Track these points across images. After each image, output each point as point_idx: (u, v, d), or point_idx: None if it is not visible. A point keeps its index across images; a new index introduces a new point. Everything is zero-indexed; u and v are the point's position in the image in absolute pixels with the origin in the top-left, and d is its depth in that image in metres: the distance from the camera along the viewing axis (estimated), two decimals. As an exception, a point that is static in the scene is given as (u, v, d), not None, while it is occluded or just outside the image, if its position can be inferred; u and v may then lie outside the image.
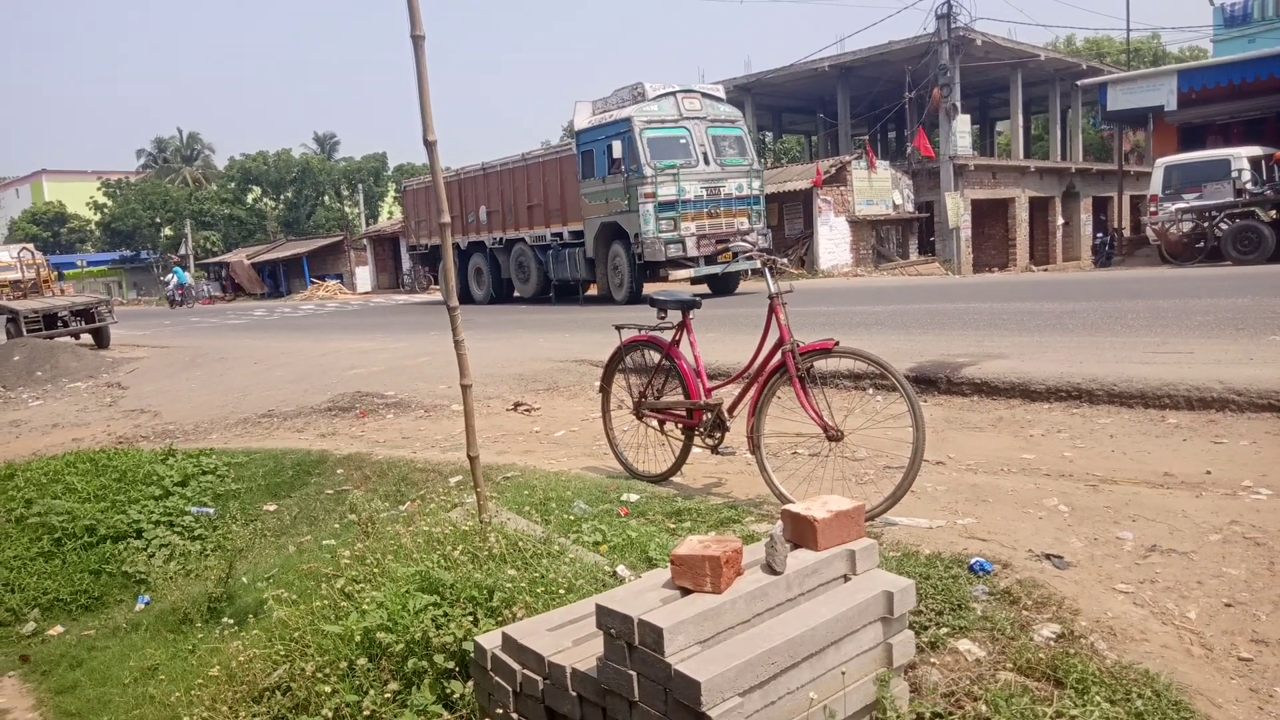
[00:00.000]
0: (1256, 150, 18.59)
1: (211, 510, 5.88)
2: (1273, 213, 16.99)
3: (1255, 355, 5.80)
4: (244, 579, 4.63)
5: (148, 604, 5.02)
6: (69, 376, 12.74)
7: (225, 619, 4.08)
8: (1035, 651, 2.51)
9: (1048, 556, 3.11)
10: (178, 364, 12.90)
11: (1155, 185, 19.15)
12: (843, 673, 2.24)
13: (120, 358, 14.68)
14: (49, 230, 59.40)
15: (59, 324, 16.63)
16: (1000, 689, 2.38)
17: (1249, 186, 17.68)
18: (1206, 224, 17.59)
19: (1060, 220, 31.53)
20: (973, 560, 3.02)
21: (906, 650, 2.41)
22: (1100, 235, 26.04)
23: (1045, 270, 26.31)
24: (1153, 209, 19.08)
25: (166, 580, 5.17)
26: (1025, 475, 4.20)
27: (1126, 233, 25.89)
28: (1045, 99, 34.70)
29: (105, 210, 55.67)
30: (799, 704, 2.15)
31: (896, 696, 2.34)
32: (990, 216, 29.37)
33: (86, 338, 17.22)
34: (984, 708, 2.32)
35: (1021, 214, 29.68)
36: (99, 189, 56.06)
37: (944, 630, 2.66)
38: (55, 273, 26.05)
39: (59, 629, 5.05)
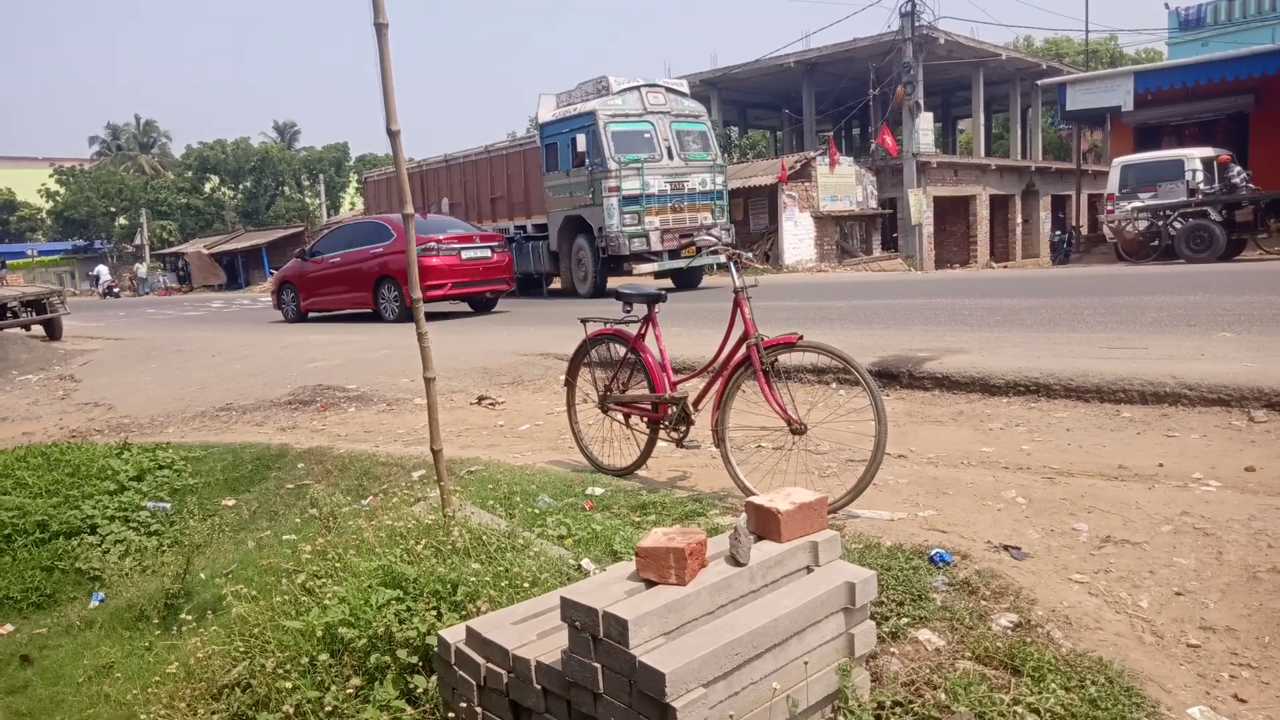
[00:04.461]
0: (1209, 151, 19.05)
1: (168, 505, 5.77)
2: (1224, 212, 17.44)
3: (1206, 351, 5.95)
4: (202, 575, 4.55)
5: (102, 601, 4.92)
6: (19, 369, 12.42)
7: (183, 616, 4.00)
8: (993, 640, 2.56)
9: (1006, 548, 3.17)
10: (133, 356, 12.63)
11: (1112, 184, 19.55)
12: (805, 663, 2.26)
13: (73, 350, 14.34)
14: (-3, 218, 57.92)
15: (8, 315, 16.17)
16: (959, 677, 2.42)
17: (1202, 186, 18.12)
18: (1161, 223, 17.99)
19: (1020, 218, 32.06)
20: (933, 551, 3.06)
21: (868, 640, 2.44)
22: (1059, 233, 26.53)
23: (1005, 267, 26.73)
24: (1110, 208, 19.48)
25: (122, 577, 5.06)
26: (984, 468, 4.27)
27: (1084, 230, 26.40)
28: (1006, 98, 35.27)
29: (58, 198, 54.29)
30: (762, 694, 2.17)
31: (858, 686, 2.37)
32: (952, 213, 29.78)
33: (38, 329, 16.80)
34: (943, 696, 2.36)
35: (982, 211, 30.13)
36: (51, 176, 54.66)
37: (905, 620, 2.69)
38: None
39: (9, 628, 4.92)
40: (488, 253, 14.54)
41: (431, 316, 15.21)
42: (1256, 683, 2.42)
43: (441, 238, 13.87)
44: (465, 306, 15.29)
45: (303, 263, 15.71)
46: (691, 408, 4.19)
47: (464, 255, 14.09)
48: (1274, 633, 2.60)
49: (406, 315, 13.55)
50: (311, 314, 15.91)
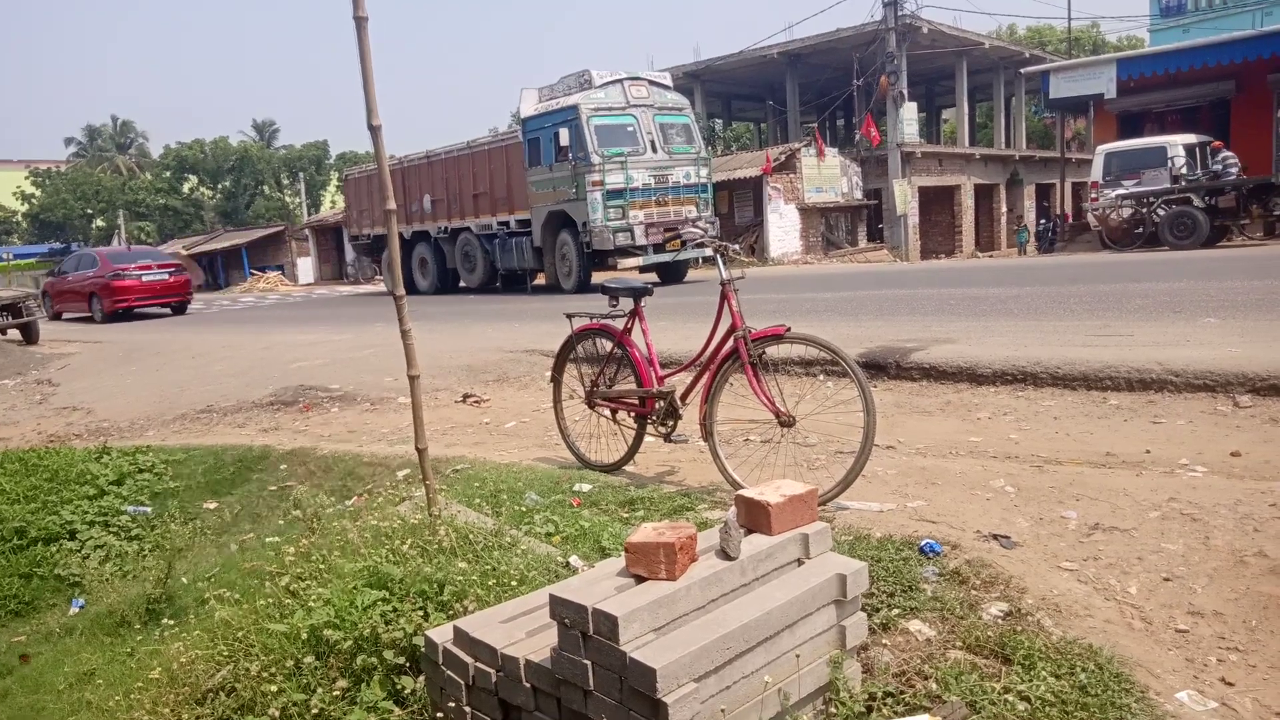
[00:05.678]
0: (1191, 138, 19.15)
1: (149, 509, 5.70)
2: (1207, 199, 17.54)
3: (1191, 337, 5.97)
4: (184, 579, 4.49)
5: (83, 607, 4.85)
6: (-3, 373, 12.26)
7: (165, 621, 3.95)
8: (984, 630, 2.55)
9: (995, 537, 3.16)
10: (111, 359, 12.49)
11: (1096, 172, 19.62)
12: (797, 655, 2.24)
13: (50, 354, 14.17)
14: (-28, 222, 57.17)
15: (-17, 319, 16.02)
16: (950, 667, 2.40)
17: (1184, 173, 18.21)
18: (1145, 210, 18.08)
19: (1005, 207, 32.19)
20: (923, 542, 3.05)
21: (859, 632, 2.43)
22: (1043, 221, 26.61)
23: (990, 256, 26.84)
24: (1093, 195, 19.56)
25: (102, 582, 5.00)
26: (973, 457, 4.27)
27: (1069, 218, 26.53)
28: (989, 87, 35.35)
29: (33, 201, 53.65)
30: (754, 688, 2.15)
31: (849, 677, 2.35)
32: (937, 203, 29.86)
33: (14, 333, 16.59)
34: (934, 686, 2.35)
35: (967, 201, 30.22)
36: (26, 178, 53.98)
37: (895, 611, 2.68)
38: None
39: (-12, 635, 4.85)
40: (165, 275, 20.99)
41: (140, 316, 21.27)
42: (1244, 666, 2.42)
43: (130, 266, 20.58)
44: (168, 311, 21.27)
45: (54, 279, 23.05)
46: (679, 402, 4.16)
47: (144, 278, 20.44)
48: (1261, 616, 2.60)
49: (109, 319, 20.01)
50: (64, 315, 22.20)
